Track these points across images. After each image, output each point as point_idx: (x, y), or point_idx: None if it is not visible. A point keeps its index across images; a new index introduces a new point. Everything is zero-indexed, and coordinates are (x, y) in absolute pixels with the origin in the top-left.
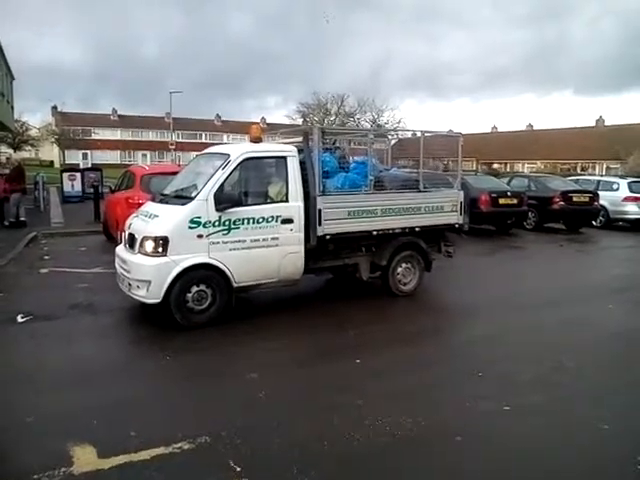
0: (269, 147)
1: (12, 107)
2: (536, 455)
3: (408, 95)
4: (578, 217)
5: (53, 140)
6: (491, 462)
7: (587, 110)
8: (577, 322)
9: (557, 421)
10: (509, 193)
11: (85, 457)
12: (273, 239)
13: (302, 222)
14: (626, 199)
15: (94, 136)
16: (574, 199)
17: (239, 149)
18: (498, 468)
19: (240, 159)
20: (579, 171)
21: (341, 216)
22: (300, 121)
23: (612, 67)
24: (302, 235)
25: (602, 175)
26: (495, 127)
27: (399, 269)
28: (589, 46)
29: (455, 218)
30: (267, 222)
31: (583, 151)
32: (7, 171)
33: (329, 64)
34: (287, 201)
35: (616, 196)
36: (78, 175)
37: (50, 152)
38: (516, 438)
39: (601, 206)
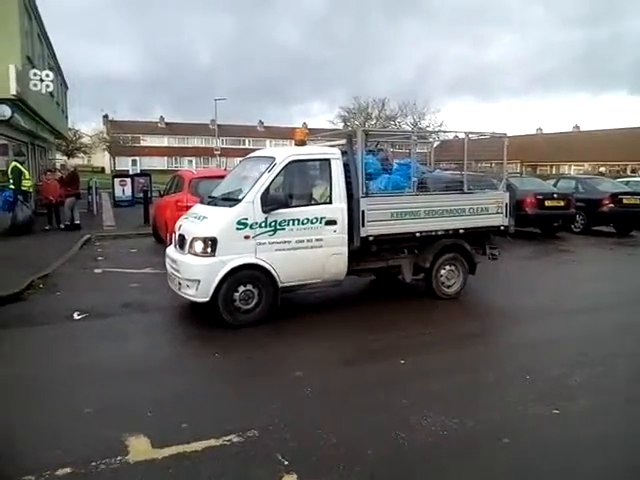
0: (313, 150)
1: (66, 116)
2: (585, 459)
3: (455, 98)
4: (628, 220)
5: (104, 147)
6: (538, 465)
7: None
8: (629, 327)
9: (607, 426)
10: (555, 195)
11: (140, 447)
12: (317, 240)
13: (345, 223)
14: None
15: (143, 143)
16: (624, 201)
17: (284, 152)
18: (545, 471)
19: (285, 162)
20: (629, 173)
21: (384, 217)
22: (341, 125)
23: None
24: (345, 236)
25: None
26: (540, 129)
27: (442, 271)
28: None
29: (500, 220)
30: (311, 223)
31: (633, 152)
32: (59, 174)
33: (375, 69)
34: (331, 203)
35: None
36: (128, 180)
37: (101, 159)
38: (565, 442)
39: None
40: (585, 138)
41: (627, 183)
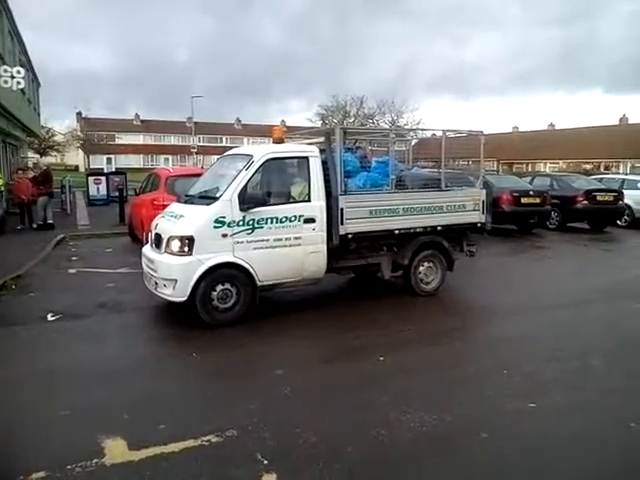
0: (291, 148)
1: (39, 114)
2: (562, 453)
3: (434, 96)
4: (602, 216)
5: (78, 145)
6: (517, 459)
7: (616, 109)
8: (603, 322)
9: (583, 420)
10: (531, 192)
11: (116, 449)
12: (296, 238)
13: (324, 221)
14: None
15: (118, 141)
16: (598, 198)
17: (262, 150)
18: (524, 465)
19: (263, 160)
20: (602, 170)
21: (363, 215)
22: (319, 124)
23: None
24: (324, 234)
25: (627, 174)
26: (516, 127)
27: (421, 268)
28: (621, 45)
29: (477, 217)
30: (290, 221)
31: (606, 150)
32: (32, 174)
33: (354, 68)
34: (309, 201)
35: None
36: (103, 179)
37: (75, 157)
38: (542, 436)
39: (626, 205)
40: (560, 136)
41: (601, 180)
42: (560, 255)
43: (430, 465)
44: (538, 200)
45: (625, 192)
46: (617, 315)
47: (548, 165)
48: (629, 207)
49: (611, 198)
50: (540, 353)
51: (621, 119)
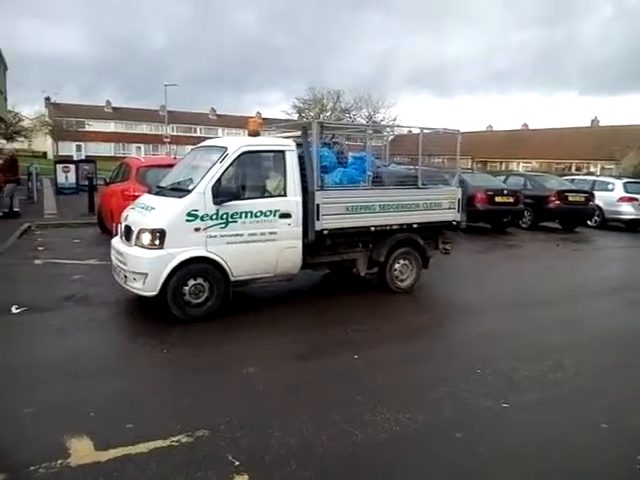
0: (267, 141)
1: (5, 98)
2: (535, 453)
3: (411, 92)
4: (573, 216)
5: (46, 131)
6: (490, 459)
7: (591, 111)
8: (574, 321)
9: (555, 419)
10: (505, 191)
11: (82, 449)
12: (271, 233)
13: (300, 217)
14: (621, 199)
15: (88, 128)
16: (570, 198)
17: (237, 142)
18: (497, 465)
19: (238, 152)
20: (574, 171)
21: (339, 211)
22: (296, 116)
23: (616, 69)
24: (300, 230)
25: (597, 175)
26: (490, 126)
27: (396, 265)
28: (597, 48)
29: (453, 215)
30: (265, 216)
31: (578, 151)
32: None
33: (333, 61)
34: (285, 195)
35: (611, 196)
36: (72, 167)
37: (43, 143)
38: (514, 436)
39: (596, 206)
40: (534, 136)
41: (572, 181)
42: (533, 254)
43: (405, 466)
44: (512, 199)
45: (596, 193)
46: (587, 313)
47: (521, 164)
48: (599, 208)
49: (582, 199)
50: (513, 351)
51: (592, 121)
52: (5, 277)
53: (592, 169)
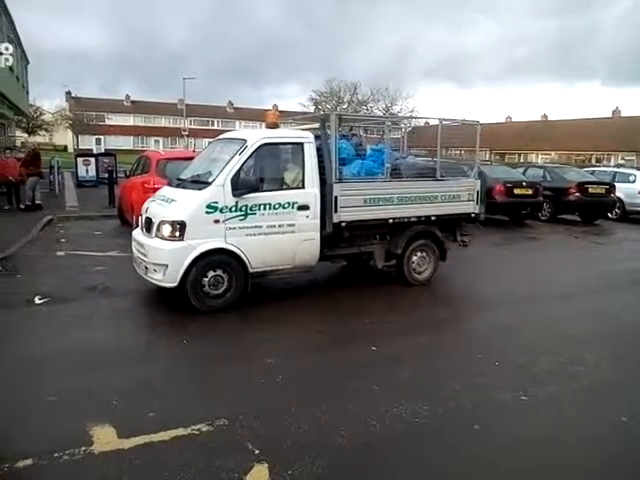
0: (286, 133)
1: (27, 92)
2: (553, 446)
3: (430, 83)
4: (594, 209)
5: (67, 125)
6: (508, 451)
7: (613, 101)
8: (594, 314)
9: (574, 412)
10: (524, 183)
11: (105, 437)
12: (289, 225)
13: (318, 209)
14: None
15: (107, 121)
16: (590, 190)
17: (256, 135)
18: (515, 457)
19: (257, 145)
20: (594, 162)
21: (357, 203)
22: (313, 109)
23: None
24: (318, 222)
25: (618, 167)
26: (509, 117)
27: (414, 258)
28: (620, 37)
29: (471, 207)
30: (283, 208)
31: (598, 142)
32: (22, 155)
33: (351, 53)
34: (303, 187)
35: (632, 188)
36: (92, 160)
37: (64, 137)
38: (532, 429)
39: (617, 198)
40: (553, 128)
41: (593, 172)
42: (552, 247)
43: (423, 456)
44: (531, 191)
45: (617, 185)
46: (608, 307)
47: (540, 156)
48: (620, 200)
49: (603, 191)
50: (531, 344)
51: (614, 112)
52: (28, 268)
53: (612, 161)
